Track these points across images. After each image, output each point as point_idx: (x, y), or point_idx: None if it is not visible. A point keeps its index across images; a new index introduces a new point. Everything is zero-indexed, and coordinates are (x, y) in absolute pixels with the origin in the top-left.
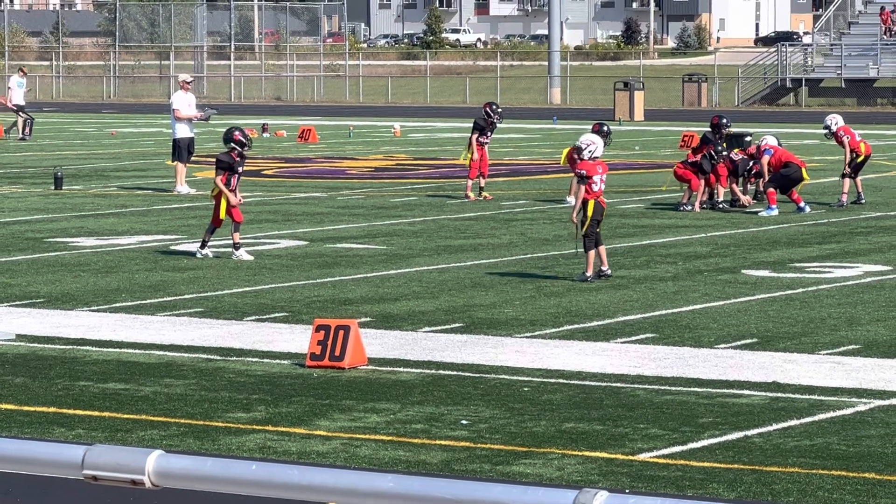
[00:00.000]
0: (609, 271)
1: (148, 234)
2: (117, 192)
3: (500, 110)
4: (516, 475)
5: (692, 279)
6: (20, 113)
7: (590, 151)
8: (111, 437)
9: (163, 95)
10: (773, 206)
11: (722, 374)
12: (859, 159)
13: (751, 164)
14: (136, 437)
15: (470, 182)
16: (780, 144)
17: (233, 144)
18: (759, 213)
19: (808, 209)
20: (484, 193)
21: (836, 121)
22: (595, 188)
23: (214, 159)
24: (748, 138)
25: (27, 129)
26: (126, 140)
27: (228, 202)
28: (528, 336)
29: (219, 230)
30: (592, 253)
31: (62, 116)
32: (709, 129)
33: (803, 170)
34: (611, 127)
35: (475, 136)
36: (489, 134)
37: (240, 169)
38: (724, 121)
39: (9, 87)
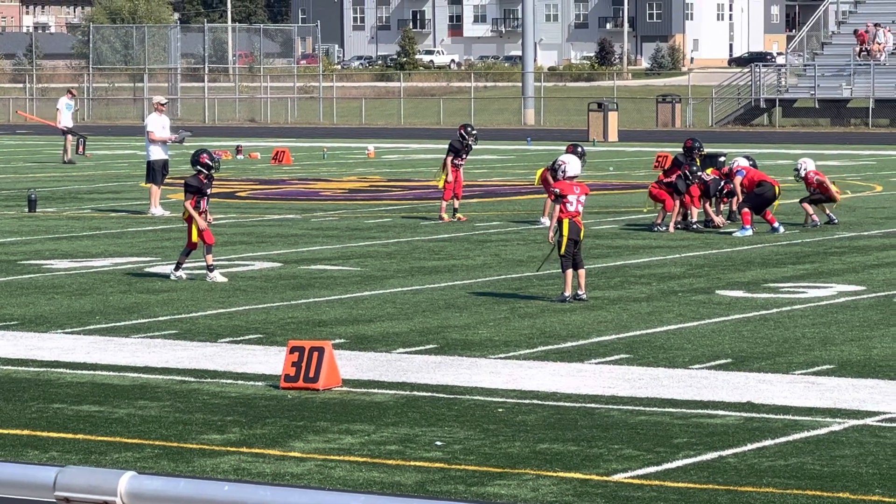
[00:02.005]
0: (585, 296)
1: (122, 256)
2: (91, 215)
3: (475, 132)
4: (491, 496)
5: (666, 300)
6: (69, 135)
7: (563, 171)
8: (85, 460)
9: (137, 117)
10: (748, 227)
11: (696, 394)
12: (823, 200)
13: (722, 183)
14: (110, 459)
15: (444, 203)
16: (754, 165)
17: (199, 167)
18: (734, 234)
19: (782, 229)
20: (458, 215)
21: (805, 165)
22: (570, 208)
23: (182, 182)
24: (722, 158)
25: (80, 149)
26: (100, 162)
27: (198, 225)
28: (502, 357)
29: (194, 252)
30: (570, 273)
31: (36, 139)
32: (681, 152)
33: (776, 188)
34: (585, 148)
35: (450, 157)
36: (464, 156)
37: (208, 191)
38: (697, 144)
39: (57, 109)
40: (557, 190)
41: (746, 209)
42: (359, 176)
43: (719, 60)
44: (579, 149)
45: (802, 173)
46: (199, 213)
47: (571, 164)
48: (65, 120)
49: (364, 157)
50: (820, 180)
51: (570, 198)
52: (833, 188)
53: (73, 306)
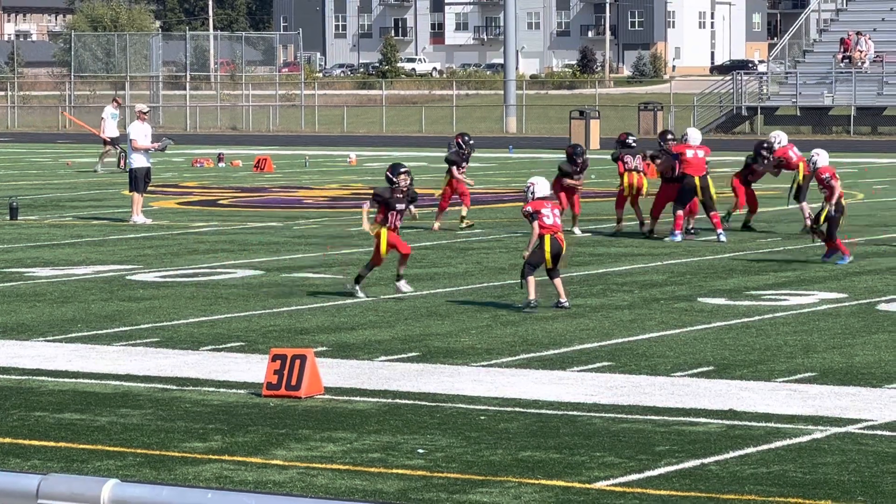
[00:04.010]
0: (567, 303)
1: (104, 263)
2: (73, 222)
3: (471, 141)
4: None
5: (648, 307)
6: (113, 145)
7: (532, 192)
8: (67, 468)
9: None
10: (677, 232)
11: (678, 402)
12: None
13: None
14: (91, 467)
15: (440, 213)
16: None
17: (393, 181)
18: (665, 239)
19: (724, 238)
20: (466, 221)
21: (818, 158)
22: (548, 221)
23: (371, 193)
24: (669, 136)
25: (121, 163)
26: (82, 170)
27: (382, 238)
28: (484, 365)
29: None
30: (532, 279)
31: (17, 147)
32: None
33: (697, 179)
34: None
35: (454, 170)
36: (464, 165)
37: (398, 207)
38: (579, 149)
39: (102, 118)
40: (528, 209)
41: (679, 211)
42: (341, 184)
43: (701, 68)
44: (579, 149)
45: (813, 166)
46: (389, 228)
47: (539, 185)
48: (109, 130)
49: (346, 164)
50: (829, 179)
51: (545, 211)
52: (837, 188)
53: (54, 314)
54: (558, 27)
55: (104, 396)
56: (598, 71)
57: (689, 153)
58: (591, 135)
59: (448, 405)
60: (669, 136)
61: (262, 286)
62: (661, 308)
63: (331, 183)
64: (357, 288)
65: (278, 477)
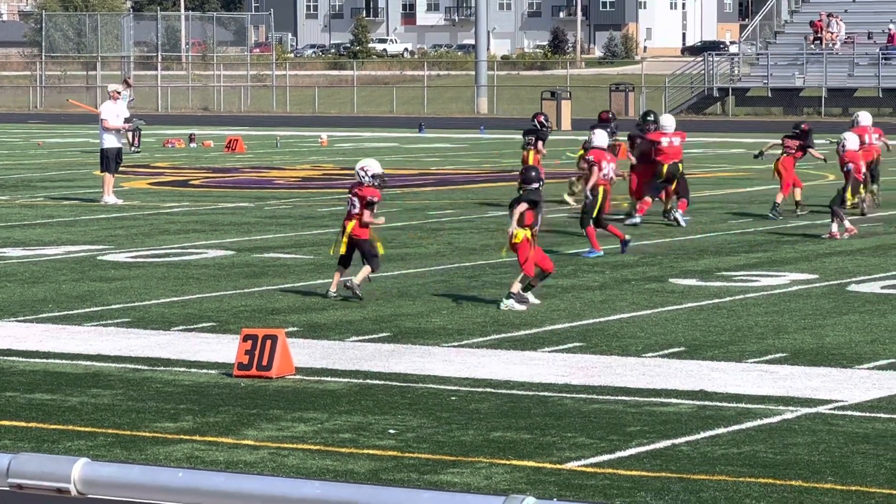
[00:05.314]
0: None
1: (75, 244)
2: (44, 203)
3: (548, 123)
4: (444, 484)
5: (619, 288)
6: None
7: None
8: (38, 448)
9: (90, 105)
10: (638, 216)
11: (649, 382)
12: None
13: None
14: (62, 447)
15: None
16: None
17: (538, 183)
18: (625, 223)
19: (683, 223)
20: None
21: (849, 142)
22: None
23: (524, 202)
24: (650, 117)
25: (136, 141)
26: (53, 150)
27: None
28: (455, 345)
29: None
30: (592, 228)
31: None
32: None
33: (665, 167)
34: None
35: (540, 144)
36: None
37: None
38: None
39: None
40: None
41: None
42: (312, 164)
43: (672, 49)
44: (611, 114)
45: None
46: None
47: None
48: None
49: (317, 145)
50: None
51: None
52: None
53: (25, 294)
54: (529, 8)
55: (75, 377)
56: (570, 52)
57: (665, 141)
58: (562, 115)
59: (419, 385)
60: (650, 118)
61: (234, 266)
62: (633, 289)
63: (302, 163)
64: (528, 295)
65: (249, 457)
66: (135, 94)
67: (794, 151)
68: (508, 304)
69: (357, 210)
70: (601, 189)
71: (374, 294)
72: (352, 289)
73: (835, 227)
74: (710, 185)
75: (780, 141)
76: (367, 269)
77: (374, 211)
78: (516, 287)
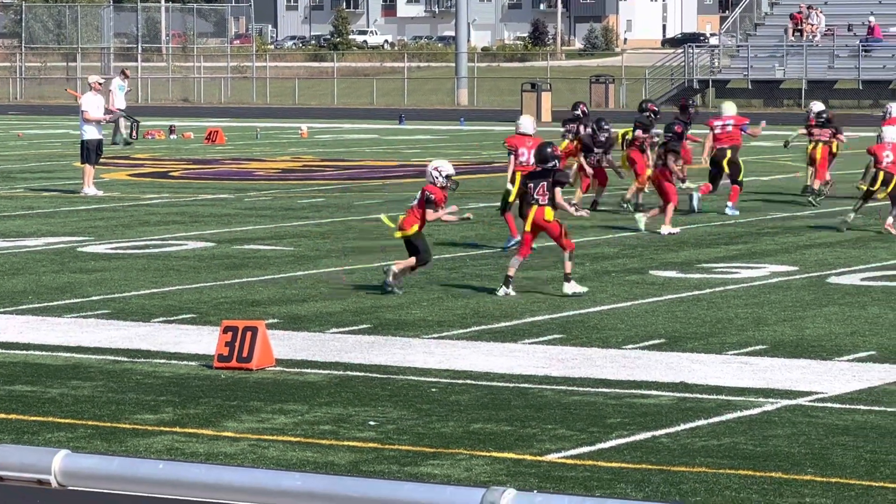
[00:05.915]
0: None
1: (55, 235)
2: (24, 194)
3: (607, 127)
4: (424, 476)
5: (600, 280)
6: (122, 118)
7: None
8: (18, 440)
9: (70, 97)
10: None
11: (630, 374)
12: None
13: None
14: (42, 439)
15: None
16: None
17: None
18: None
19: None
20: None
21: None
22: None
23: (553, 182)
24: (648, 104)
25: (133, 133)
26: (33, 142)
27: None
28: (435, 337)
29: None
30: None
31: None
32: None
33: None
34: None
35: (639, 133)
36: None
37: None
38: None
39: (109, 91)
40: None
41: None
42: (292, 156)
43: (653, 41)
44: (690, 100)
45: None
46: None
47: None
48: (118, 102)
49: (297, 137)
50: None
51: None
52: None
53: (5, 286)
54: (510, 0)
55: (55, 368)
56: (550, 43)
57: (717, 126)
58: (542, 107)
59: (399, 377)
60: (649, 104)
61: (214, 258)
62: (613, 281)
63: (282, 155)
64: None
65: (229, 449)
66: (130, 86)
67: (828, 139)
68: (570, 287)
69: (416, 204)
70: (518, 175)
71: (354, 286)
72: (388, 273)
73: (890, 220)
74: (689, 176)
75: (804, 130)
76: (411, 260)
77: (437, 209)
78: (569, 266)
